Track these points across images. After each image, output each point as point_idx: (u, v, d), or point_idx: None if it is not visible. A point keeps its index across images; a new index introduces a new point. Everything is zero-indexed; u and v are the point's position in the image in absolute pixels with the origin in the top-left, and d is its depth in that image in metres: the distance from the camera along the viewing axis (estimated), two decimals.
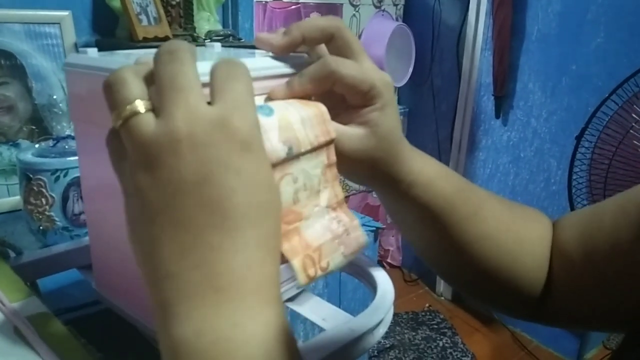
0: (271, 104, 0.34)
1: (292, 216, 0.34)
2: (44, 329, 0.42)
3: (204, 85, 0.28)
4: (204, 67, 0.29)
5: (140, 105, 0.26)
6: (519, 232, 0.44)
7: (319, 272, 0.34)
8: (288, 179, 0.33)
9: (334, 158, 0.36)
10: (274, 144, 0.32)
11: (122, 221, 0.42)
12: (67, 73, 0.43)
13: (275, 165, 0.32)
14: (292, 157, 0.33)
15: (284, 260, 0.31)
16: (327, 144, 0.36)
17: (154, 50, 0.38)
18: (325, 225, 0.36)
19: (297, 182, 0.34)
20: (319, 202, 0.36)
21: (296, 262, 0.32)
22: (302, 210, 0.34)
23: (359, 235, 0.37)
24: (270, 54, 0.39)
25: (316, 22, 0.37)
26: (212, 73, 0.29)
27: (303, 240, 0.34)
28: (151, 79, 0.28)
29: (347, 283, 1.18)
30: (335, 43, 0.37)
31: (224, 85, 0.28)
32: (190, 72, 0.27)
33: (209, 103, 0.27)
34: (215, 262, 0.25)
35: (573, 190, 1.49)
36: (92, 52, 0.41)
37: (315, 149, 0.35)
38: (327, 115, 0.36)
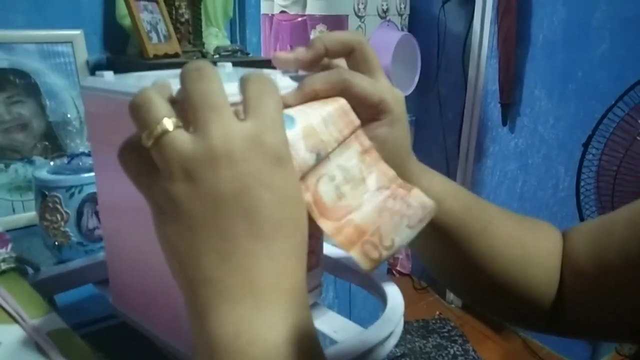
0: (292, 112, 0.34)
1: (342, 211, 0.34)
2: (65, 345, 0.43)
3: (232, 104, 0.29)
4: (230, 89, 0.30)
5: (169, 123, 0.28)
6: (528, 246, 0.44)
7: (385, 253, 0.34)
8: (325, 180, 0.34)
9: (367, 143, 0.37)
10: (302, 155, 0.33)
11: (139, 237, 0.44)
12: (83, 95, 0.44)
13: (307, 172, 0.33)
14: (321, 160, 0.34)
15: (311, 266, 0.32)
16: (353, 132, 0.36)
17: (167, 72, 0.40)
18: (379, 207, 0.35)
19: (335, 179, 0.35)
20: (367, 188, 0.36)
21: (354, 252, 0.33)
22: (350, 203, 0.35)
23: (423, 202, 0.37)
24: (284, 72, 0.40)
25: (339, 35, 0.38)
26: (245, 87, 0.30)
27: (357, 228, 0.34)
28: (172, 98, 0.30)
29: (357, 294, 1.18)
30: (354, 57, 0.38)
31: (258, 101, 0.29)
32: (220, 89, 0.29)
33: (238, 118, 0.29)
34: (251, 269, 0.27)
35: (581, 197, 1.49)
36: (108, 75, 0.43)
37: (341, 143, 0.35)
38: (347, 106, 0.36)
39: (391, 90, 0.38)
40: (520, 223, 0.46)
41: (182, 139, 0.28)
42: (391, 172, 0.37)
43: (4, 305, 0.49)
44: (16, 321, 0.47)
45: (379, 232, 0.34)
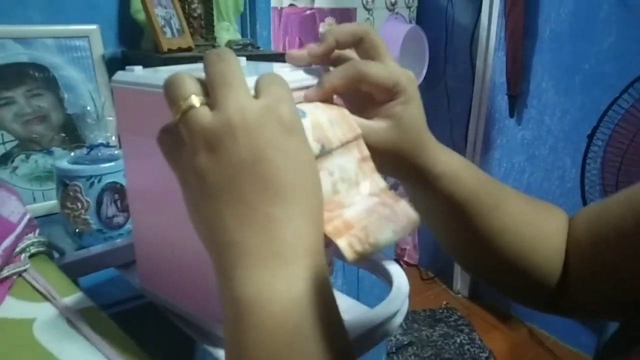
0: (302, 107, 0.38)
1: (334, 205, 0.37)
2: (94, 321, 0.47)
3: None
4: (250, 82, 0.33)
5: (196, 100, 0.31)
6: (538, 226, 0.46)
7: (368, 248, 0.36)
8: (324, 173, 0.37)
9: (366, 152, 0.39)
10: (309, 142, 0.35)
11: (167, 219, 0.47)
12: (114, 89, 0.47)
13: None
14: (325, 154, 0.37)
15: (329, 242, 0.34)
16: (355, 139, 0.39)
17: (196, 65, 0.43)
18: (370, 208, 0.37)
19: (334, 175, 0.37)
20: (359, 191, 0.39)
21: (341, 242, 0.35)
22: (343, 200, 0.37)
23: (409, 212, 0.38)
24: (293, 66, 0.43)
25: (347, 27, 0.41)
26: (257, 81, 0.33)
27: (347, 222, 0.36)
28: (203, 82, 0.33)
29: (364, 279, 1.21)
30: (363, 45, 0.41)
31: (267, 86, 0.32)
32: (236, 69, 0.32)
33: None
34: (271, 231, 0.30)
35: (586, 188, 1.50)
36: (138, 69, 0.46)
37: (344, 145, 0.38)
38: (349, 114, 0.39)
39: (402, 72, 0.41)
40: (531, 204, 0.48)
41: (204, 114, 0.30)
42: (383, 183, 0.40)
43: (35, 284, 0.52)
44: (47, 299, 0.50)
45: (366, 230, 0.36)
